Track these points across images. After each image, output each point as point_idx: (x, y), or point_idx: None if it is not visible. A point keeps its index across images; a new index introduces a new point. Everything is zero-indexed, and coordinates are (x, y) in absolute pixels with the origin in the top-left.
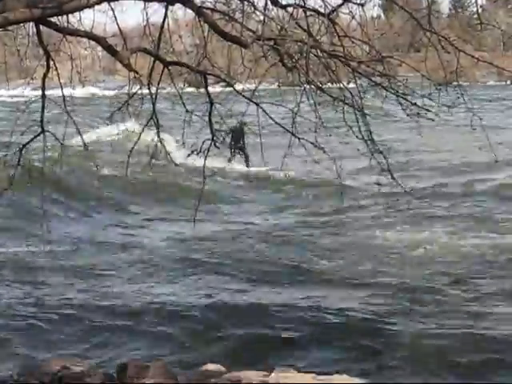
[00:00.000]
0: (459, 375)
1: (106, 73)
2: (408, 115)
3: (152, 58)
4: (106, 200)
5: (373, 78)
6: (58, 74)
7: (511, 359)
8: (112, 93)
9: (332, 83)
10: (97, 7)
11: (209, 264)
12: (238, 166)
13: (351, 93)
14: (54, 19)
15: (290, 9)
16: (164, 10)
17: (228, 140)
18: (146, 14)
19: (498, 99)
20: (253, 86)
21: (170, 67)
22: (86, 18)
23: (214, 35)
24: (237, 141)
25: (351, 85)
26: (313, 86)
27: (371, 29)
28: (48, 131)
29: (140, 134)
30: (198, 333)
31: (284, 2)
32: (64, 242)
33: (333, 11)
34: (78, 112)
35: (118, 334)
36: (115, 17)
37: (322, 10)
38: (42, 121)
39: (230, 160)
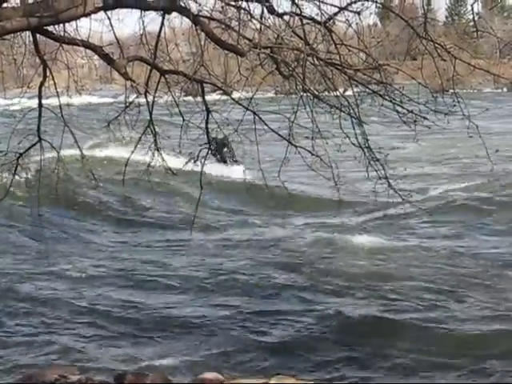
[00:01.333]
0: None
1: (102, 81)
2: (405, 123)
3: (149, 67)
4: (104, 209)
5: (369, 86)
6: (55, 82)
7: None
8: (109, 101)
9: (329, 91)
10: (93, 16)
11: (206, 274)
12: (234, 174)
13: (348, 101)
14: (50, 28)
15: (286, 17)
16: (161, 19)
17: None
18: (143, 22)
19: (495, 107)
20: (249, 95)
21: (166, 76)
22: (83, 27)
23: (210, 44)
24: (220, 150)
25: (348, 93)
26: (309, 94)
27: (368, 37)
28: (44, 140)
29: (137, 142)
30: (196, 341)
31: (280, 11)
32: (61, 250)
33: (329, 19)
34: (75, 121)
35: (115, 343)
36: (112, 25)
37: (318, 18)
38: (38, 130)
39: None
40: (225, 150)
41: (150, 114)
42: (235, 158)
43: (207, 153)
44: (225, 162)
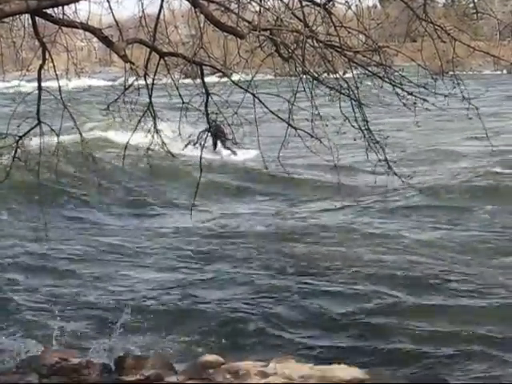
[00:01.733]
0: (452, 368)
1: (102, 64)
2: (404, 105)
3: (148, 49)
4: (103, 191)
5: (369, 68)
6: (54, 65)
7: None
8: (108, 84)
9: (328, 73)
10: None
11: (205, 256)
12: (234, 157)
13: (347, 83)
14: (49, 11)
15: None
16: (160, 1)
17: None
18: (142, 4)
19: (494, 89)
20: (249, 77)
21: (166, 58)
22: (82, 10)
23: (209, 26)
24: (217, 135)
25: (348, 75)
26: (309, 76)
27: (367, 19)
28: (44, 123)
29: (136, 124)
30: (197, 324)
31: None
32: (61, 234)
33: (329, 1)
34: (75, 103)
35: (116, 326)
36: (111, 8)
37: (317, 0)
38: (38, 112)
39: (214, 148)
40: (221, 135)
41: (150, 96)
42: (234, 141)
43: (207, 135)
44: (225, 146)
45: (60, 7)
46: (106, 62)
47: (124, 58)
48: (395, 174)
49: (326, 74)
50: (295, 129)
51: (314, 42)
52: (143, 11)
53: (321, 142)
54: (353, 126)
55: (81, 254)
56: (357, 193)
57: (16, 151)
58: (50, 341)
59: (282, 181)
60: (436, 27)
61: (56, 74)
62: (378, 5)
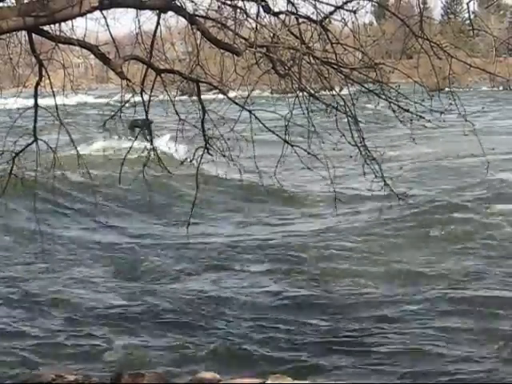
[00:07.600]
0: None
1: (98, 81)
2: (401, 121)
3: (145, 66)
4: (100, 207)
5: (365, 85)
6: (51, 82)
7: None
8: (105, 101)
9: (325, 90)
10: (89, 15)
11: (201, 273)
12: (230, 174)
13: (344, 99)
14: (46, 28)
15: (282, 16)
16: (156, 18)
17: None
18: (139, 22)
19: (490, 105)
20: (245, 94)
21: (162, 75)
22: (79, 27)
23: (206, 43)
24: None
25: (344, 92)
26: (305, 93)
27: (363, 35)
28: (41, 139)
29: (133, 141)
30: (193, 341)
31: (276, 10)
32: (57, 250)
33: (325, 18)
34: (71, 120)
35: (112, 343)
36: (107, 25)
37: (314, 17)
38: (34, 129)
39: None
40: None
41: (146, 113)
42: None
43: (203, 152)
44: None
45: (57, 24)
46: (103, 79)
47: (121, 74)
48: (392, 190)
49: (322, 91)
50: (291, 145)
51: (311, 58)
52: (140, 28)
53: (317, 158)
54: (349, 143)
55: (75, 270)
56: (353, 209)
57: (12, 168)
58: (46, 357)
59: (277, 197)
60: (432, 44)
61: (53, 91)
62: (375, 22)
